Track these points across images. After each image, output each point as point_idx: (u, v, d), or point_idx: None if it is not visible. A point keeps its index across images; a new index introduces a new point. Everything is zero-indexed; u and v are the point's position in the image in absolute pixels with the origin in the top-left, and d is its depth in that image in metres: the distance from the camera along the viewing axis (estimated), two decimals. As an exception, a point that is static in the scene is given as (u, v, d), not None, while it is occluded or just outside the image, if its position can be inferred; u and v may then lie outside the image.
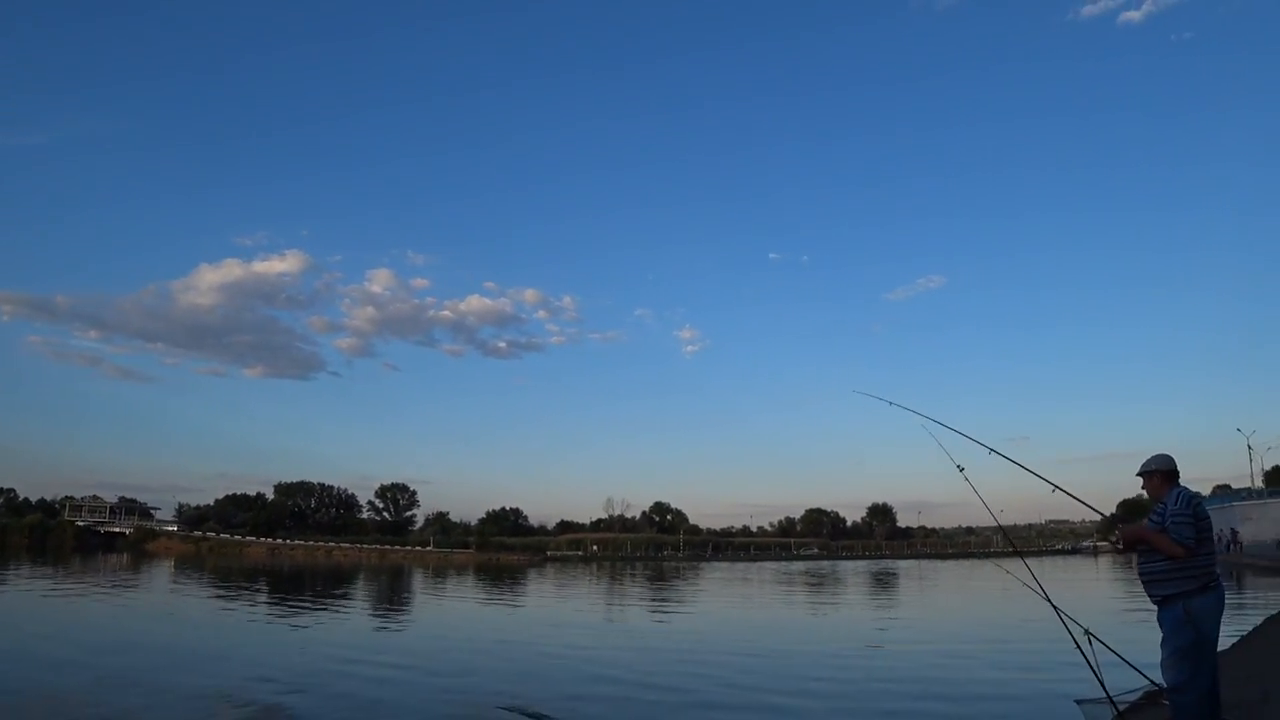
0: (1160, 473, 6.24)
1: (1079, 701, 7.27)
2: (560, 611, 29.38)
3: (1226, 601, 5.92)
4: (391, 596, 37.32)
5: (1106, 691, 6.67)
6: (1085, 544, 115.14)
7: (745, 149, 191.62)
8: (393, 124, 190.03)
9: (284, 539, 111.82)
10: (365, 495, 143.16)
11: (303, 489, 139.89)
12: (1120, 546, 6.46)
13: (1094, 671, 6.52)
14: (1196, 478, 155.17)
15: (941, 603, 34.15)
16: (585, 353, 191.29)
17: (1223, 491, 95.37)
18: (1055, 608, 6.99)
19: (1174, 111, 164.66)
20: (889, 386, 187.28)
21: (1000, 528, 6.99)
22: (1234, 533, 65.76)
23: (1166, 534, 5.81)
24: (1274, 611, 19.31)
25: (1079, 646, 6.61)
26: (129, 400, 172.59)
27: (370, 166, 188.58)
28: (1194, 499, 5.91)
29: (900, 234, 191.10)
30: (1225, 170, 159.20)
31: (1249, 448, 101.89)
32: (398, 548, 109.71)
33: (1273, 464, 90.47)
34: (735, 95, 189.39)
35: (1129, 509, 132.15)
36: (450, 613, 28.92)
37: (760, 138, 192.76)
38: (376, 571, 64.26)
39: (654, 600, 35.74)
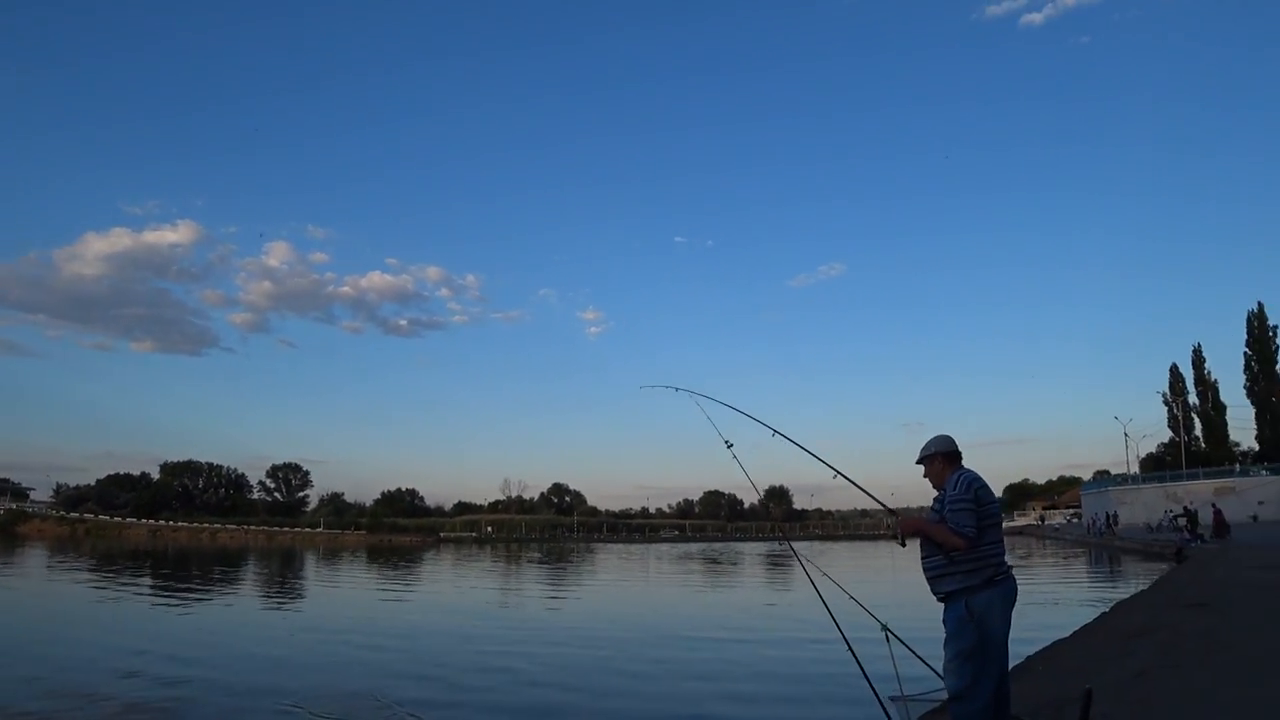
0: (941, 455, 5.67)
1: (892, 698, 6.80)
2: (417, 596, 28.84)
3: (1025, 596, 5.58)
4: (255, 580, 36.20)
5: (902, 689, 6.45)
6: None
7: (653, 131, 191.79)
8: (293, 92, 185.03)
9: (168, 520, 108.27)
10: (257, 475, 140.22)
11: (190, 469, 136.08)
12: (902, 542, 5.81)
13: (894, 667, 6.32)
14: (1081, 463, 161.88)
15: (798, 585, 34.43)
16: (488, 332, 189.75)
17: (1102, 477, 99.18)
18: (855, 600, 6.76)
19: (1068, 108, 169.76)
20: (788, 370, 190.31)
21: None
22: (1110, 516, 68.37)
23: (945, 524, 5.26)
24: (1128, 595, 19.76)
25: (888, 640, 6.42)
26: (6, 374, 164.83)
27: (269, 135, 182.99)
28: (974, 482, 5.35)
29: (803, 221, 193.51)
30: (1112, 168, 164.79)
31: (1125, 435, 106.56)
32: (286, 529, 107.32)
33: (1147, 451, 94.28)
34: (642, 77, 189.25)
35: (1015, 492, 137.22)
36: (303, 599, 27.90)
37: (667, 120, 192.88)
38: (257, 554, 62.75)
39: (512, 585, 35.35)
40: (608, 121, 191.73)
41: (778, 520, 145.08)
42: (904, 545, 5.69)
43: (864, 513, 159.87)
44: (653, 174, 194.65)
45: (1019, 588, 5.39)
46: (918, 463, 5.85)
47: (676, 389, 7.96)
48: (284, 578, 38.18)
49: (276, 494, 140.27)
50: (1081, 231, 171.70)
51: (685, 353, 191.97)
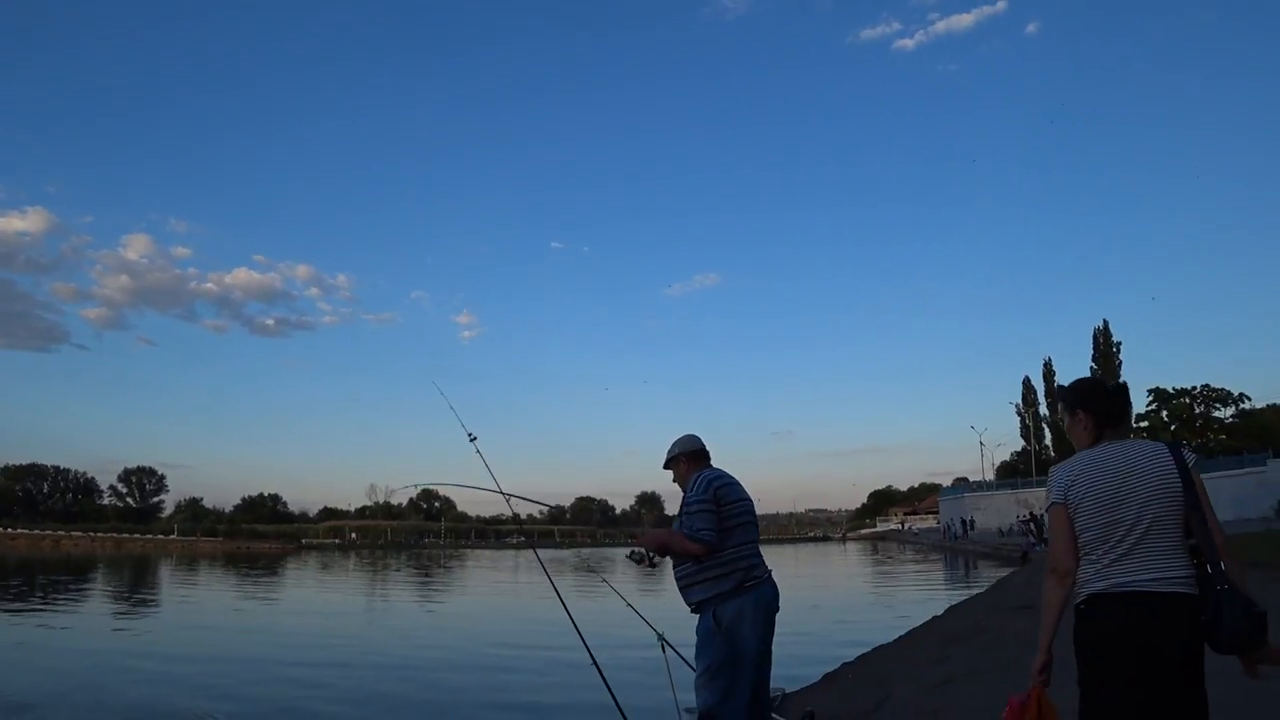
0: (684, 456, 5.22)
1: (688, 710, 6.32)
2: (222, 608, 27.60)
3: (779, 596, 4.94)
4: (69, 592, 34.04)
5: (677, 704, 5.89)
6: (835, 533, 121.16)
7: (531, 136, 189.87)
8: (157, 77, 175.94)
9: (6, 527, 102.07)
10: (109, 480, 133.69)
11: (34, 472, 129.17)
12: (651, 561, 5.16)
13: (670, 681, 5.86)
14: (943, 471, 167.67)
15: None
16: (359, 334, 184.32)
17: (961, 484, 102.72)
18: (632, 608, 6.45)
19: (934, 130, 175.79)
20: (663, 379, 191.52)
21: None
22: (966, 521, 70.82)
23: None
24: (966, 598, 20.09)
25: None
26: None
27: (129, 120, 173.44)
28: (715, 480, 4.90)
29: (679, 231, 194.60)
30: (974, 191, 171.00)
31: (981, 444, 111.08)
32: (136, 536, 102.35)
33: (1002, 459, 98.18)
34: (518, 83, 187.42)
35: (879, 499, 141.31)
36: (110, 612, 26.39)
37: (544, 125, 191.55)
38: (102, 563, 59.49)
39: (347, 596, 34.35)
40: (484, 124, 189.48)
41: (649, 527, 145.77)
42: (654, 565, 5.16)
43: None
44: (530, 178, 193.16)
45: (779, 591, 4.96)
46: (665, 467, 5.37)
47: (435, 383, 7.41)
48: (104, 588, 36.15)
49: (129, 499, 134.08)
50: (945, 248, 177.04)
51: (559, 356, 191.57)
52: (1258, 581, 13.14)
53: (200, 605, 27.72)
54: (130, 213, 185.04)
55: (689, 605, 4.91)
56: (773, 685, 8.74)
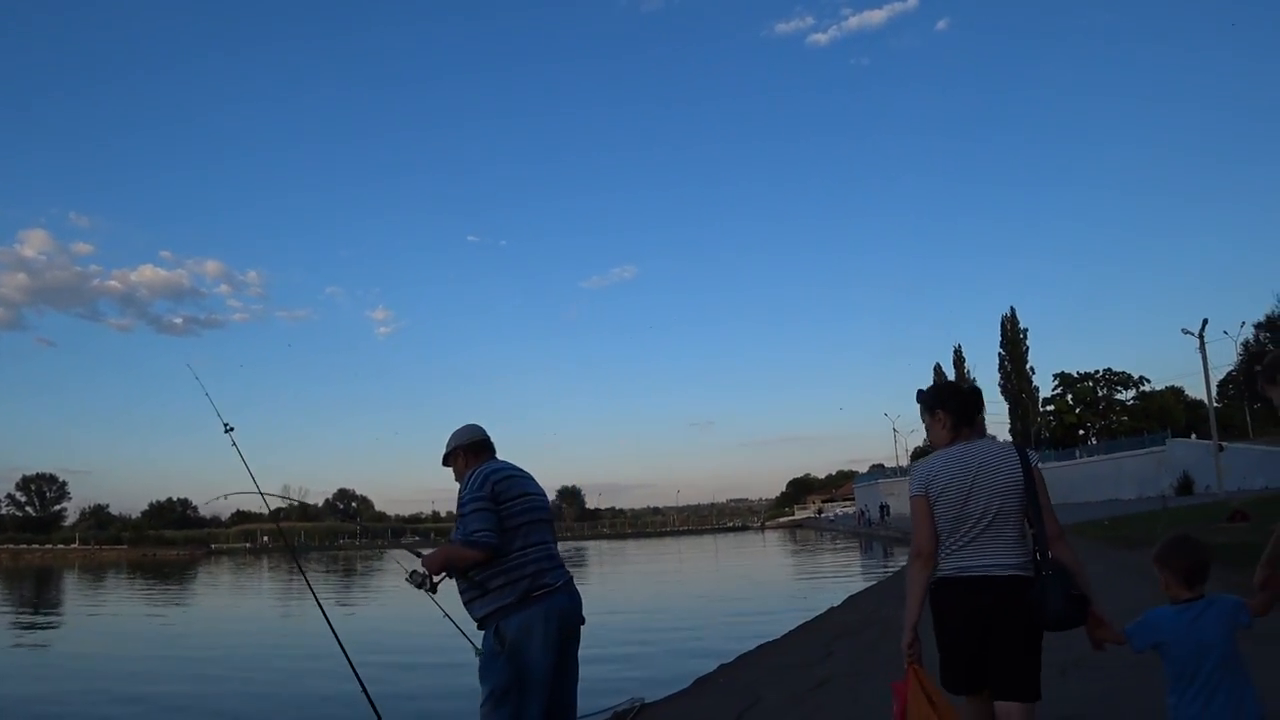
0: (463, 450, 4.55)
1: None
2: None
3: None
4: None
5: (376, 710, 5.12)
6: (754, 522, 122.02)
7: (444, 126, 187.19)
8: (53, 63, 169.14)
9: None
10: (6, 488, 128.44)
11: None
12: (432, 588, 4.24)
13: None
14: (860, 458, 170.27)
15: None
16: (271, 331, 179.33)
17: (877, 470, 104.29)
18: (451, 619, 5.74)
19: (847, 123, 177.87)
20: (581, 373, 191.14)
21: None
22: (883, 507, 71.71)
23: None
24: (867, 586, 19.93)
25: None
26: None
27: (24, 110, 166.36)
28: (493, 474, 4.25)
29: (595, 224, 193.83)
30: (886, 179, 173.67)
31: (894, 431, 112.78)
32: (34, 547, 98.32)
33: (915, 445, 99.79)
34: (430, 71, 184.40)
35: (798, 486, 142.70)
36: None
37: (459, 116, 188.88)
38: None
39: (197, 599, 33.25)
40: (396, 115, 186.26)
41: (570, 520, 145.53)
42: (434, 590, 4.27)
43: (656, 510, 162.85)
44: (445, 170, 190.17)
45: (582, 599, 4.34)
46: (444, 464, 4.67)
47: (189, 366, 6.67)
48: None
49: (28, 508, 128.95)
50: (858, 238, 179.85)
51: (478, 352, 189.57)
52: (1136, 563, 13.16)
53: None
54: (27, 207, 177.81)
55: (475, 623, 4.23)
56: (632, 695, 8.28)
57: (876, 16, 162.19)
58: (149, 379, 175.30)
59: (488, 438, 4.65)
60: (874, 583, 21.08)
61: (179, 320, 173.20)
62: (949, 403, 3.82)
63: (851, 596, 17.56)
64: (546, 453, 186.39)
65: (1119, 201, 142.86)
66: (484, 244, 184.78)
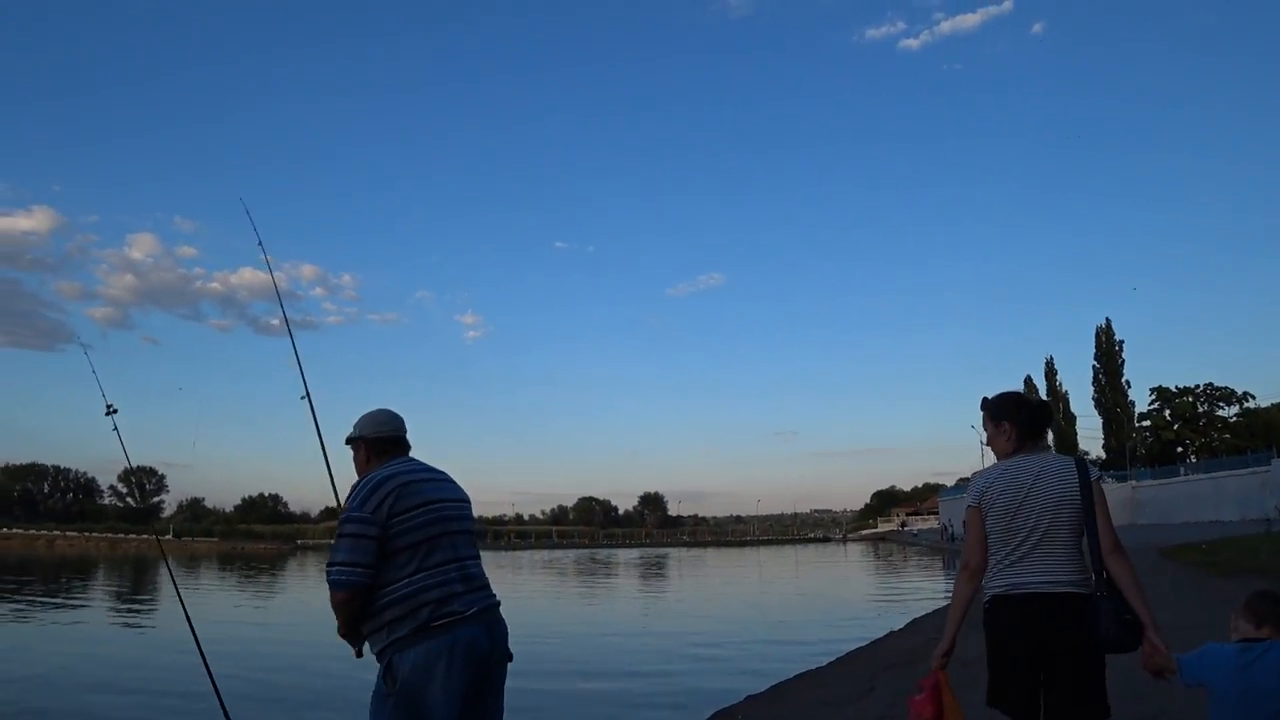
0: (365, 442, 3.71)
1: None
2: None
3: None
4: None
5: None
6: (835, 534, 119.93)
7: (536, 133, 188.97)
8: (163, 76, 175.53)
9: (1, 526, 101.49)
10: (110, 480, 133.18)
11: (34, 472, 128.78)
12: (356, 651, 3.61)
13: None
14: (945, 471, 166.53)
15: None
16: (363, 334, 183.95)
17: (963, 484, 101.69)
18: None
19: (939, 130, 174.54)
20: (665, 379, 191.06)
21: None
22: (965, 523, 69.51)
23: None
24: (935, 609, 18.99)
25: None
26: None
27: (135, 120, 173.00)
28: (385, 483, 3.42)
29: (684, 231, 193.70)
30: (978, 186, 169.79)
31: (981, 444, 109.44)
32: (131, 537, 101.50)
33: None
34: (526, 81, 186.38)
35: (882, 499, 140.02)
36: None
37: (552, 124, 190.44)
38: (84, 563, 58.92)
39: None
40: (487, 120, 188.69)
41: (652, 527, 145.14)
42: (359, 654, 3.61)
43: (738, 519, 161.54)
44: (534, 177, 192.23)
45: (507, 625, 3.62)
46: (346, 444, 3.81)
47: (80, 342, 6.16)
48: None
49: (129, 499, 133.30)
50: (949, 246, 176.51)
51: (563, 358, 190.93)
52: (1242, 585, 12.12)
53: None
54: (136, 212, 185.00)
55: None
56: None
57: (970, 20, 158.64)
58: (248, 378, 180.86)
59: (399, 432, 3.79)
60: (945, 603, 20.05)
61: (276, 321, 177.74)
62: (1017, 414, 3.74)
63: (915, 620, 16.67)
64: (630, 459, 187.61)
65: (1222, 211, 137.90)
66: (571, 250, 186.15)
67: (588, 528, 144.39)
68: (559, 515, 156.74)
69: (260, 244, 5.65)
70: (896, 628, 15.50)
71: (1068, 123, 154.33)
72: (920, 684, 3.61)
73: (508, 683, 3.60)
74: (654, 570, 51.19)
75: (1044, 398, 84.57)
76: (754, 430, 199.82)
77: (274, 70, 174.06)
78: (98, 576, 45.37)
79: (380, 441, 3.71)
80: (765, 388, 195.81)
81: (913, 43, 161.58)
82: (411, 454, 3.83)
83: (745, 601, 28.49)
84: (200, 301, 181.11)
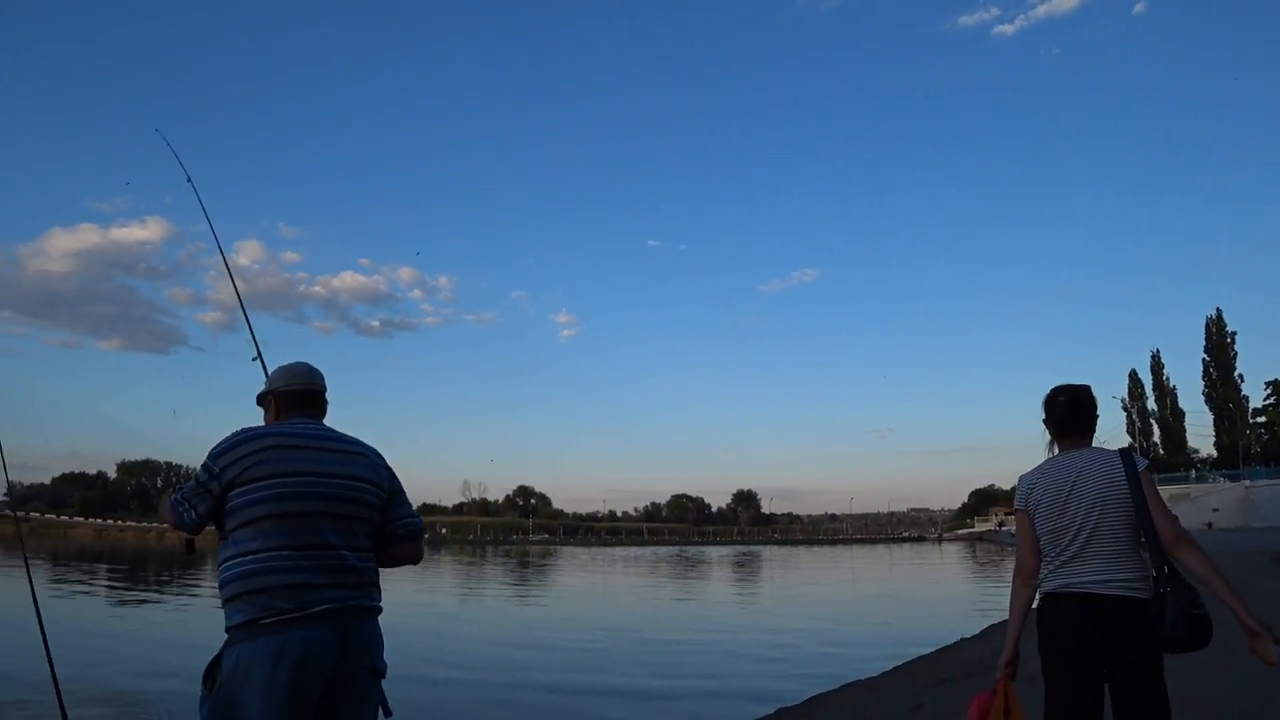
0: (275, 396, 3.25)
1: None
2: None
3: None
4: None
5: None
6: (931, 533, 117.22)
7: (627, 132, 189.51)
8: (265, 91, 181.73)
9: (116, 520, 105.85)
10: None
11: (148, 468, 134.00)
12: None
13: None
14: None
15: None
16: (460, 333, 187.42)
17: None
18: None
19: (1035, 118, 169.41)
20: (759, 376, 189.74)
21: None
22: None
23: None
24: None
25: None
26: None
27: (239, 132, 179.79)
28: (248, 442, 2.93)
29: (776, 227, 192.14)
30: (1078, 177, 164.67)
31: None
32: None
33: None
34: (615, 76, 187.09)
35: (981, 498, 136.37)
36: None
37: (642, 122, 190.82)
38: (193, 556, 60.60)
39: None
40: (580, 122, 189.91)
41: (745, 525, 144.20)
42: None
43: (833, 516, 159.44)
44: (626, 176, 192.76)
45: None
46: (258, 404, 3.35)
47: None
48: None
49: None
50: (1046, 236, 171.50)
51: (657, 355, 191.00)
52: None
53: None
54: (242, 220, 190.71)
55: None
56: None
57: (1067, 3, 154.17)
58: (349, 378, 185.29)
59: (314, 387, 3.29)
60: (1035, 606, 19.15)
61: (376, 323, 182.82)
62: (1047, 412, 3.61)
63: (992, 626, 15.84)
64: (724, 456, 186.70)
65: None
66: (664, 248, 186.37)
67: (680, 525, 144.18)
68: (652, 512, 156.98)
69: (189, 179, 5.25)
70: (970, 633, 14.80)
71: (1172, 105, 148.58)
72: (979, 696, 3.51)
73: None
74: (735, 568, 50.70)
75: (1158, 384, 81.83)
76: (850, 427, 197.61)
77: (371, 76, 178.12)
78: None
79: (291, 395, 3.22)
80: (862, 385, 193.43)
81: (1008, 29, 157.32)
82: (328, 420, 3.28)
83: (822, 600, 27.83)
84: (304, 305, 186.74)
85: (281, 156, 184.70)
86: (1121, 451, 3.42)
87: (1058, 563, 3.35)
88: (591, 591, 34.95)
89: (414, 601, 24.96)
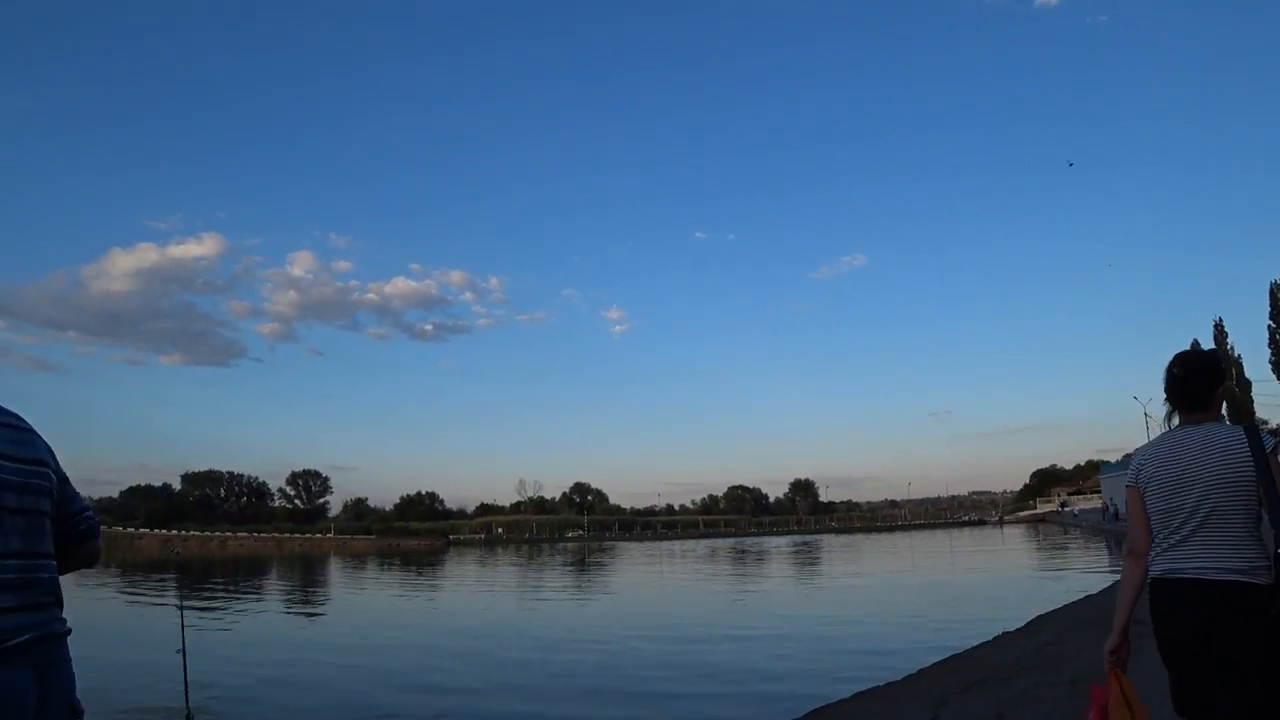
0: None
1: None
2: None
3: None
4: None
5: None
6: (992, 516, 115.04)
7: (670, 124, 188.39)
8: (310, 103, 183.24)
9: (180, 530, 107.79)
10: (278, 483, 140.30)
11: (211, 478, 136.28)
12: None
13: None
14: (1110, 447, 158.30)
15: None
16: (512, 334, 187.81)
17: (1128, 459, 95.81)
18: None
19: (1084, 86, 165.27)
20: (813, 364, 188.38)
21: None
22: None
23: None
24: (1059, 606, 17.48)
25: None
26: (38, 391, 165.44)
27: (289, 146, 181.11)
28: None
29: (824, 213, 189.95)
30: (1129, 144, 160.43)
31: (1145, 416, 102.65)
32: (296, 535, 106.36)
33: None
34: (653, 67, 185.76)
35: (1043, 478, 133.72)
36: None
37: (684, 113, 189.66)
38: (250, 561, 61.71)
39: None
40: (623, 116, 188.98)
41: (803, 514, 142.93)
42: None
43: (893, 503, 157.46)
44: (670, 169, 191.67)
45: None
46: None
47: None
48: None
49: (297, 501, 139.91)
50: (1100, 208, 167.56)
51: (710, 347, 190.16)
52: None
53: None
54: (294, 232, 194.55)
55: None
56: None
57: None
58: (406, 382, 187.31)
59: None
60: (1072, 600, 18.31)
61: (429, 327, 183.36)
62: (1166, 388, 3.41)
63: (1040, 617, 15.05)
64: (781, 446, 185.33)
65: None
66: (712, 239, 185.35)
67: (738, 516, 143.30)
68: (709, 505, 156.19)
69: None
70: (1012, 627, 14.04)
71: (1225, 65, 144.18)
72: (1092, 690, 3.37)
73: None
74: (787, 559, 49.86)
75: (1206, 350, 78.31)
76: (908, 412, 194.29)
77: (414, 82, 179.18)
78: (266, 573, 47.35)
79: None
80: (918, 368, 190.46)
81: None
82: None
83: (866, 593, 27.01)
84: (358, 312, 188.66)
85: (329, 166, 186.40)
86: (1247, 428, 3.20)
87: (1165, 545, 3.23)
88: (626, 589, 34.51)
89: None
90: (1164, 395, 3.40)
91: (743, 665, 13.50)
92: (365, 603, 30.97)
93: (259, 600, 33.04)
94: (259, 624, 23.61)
